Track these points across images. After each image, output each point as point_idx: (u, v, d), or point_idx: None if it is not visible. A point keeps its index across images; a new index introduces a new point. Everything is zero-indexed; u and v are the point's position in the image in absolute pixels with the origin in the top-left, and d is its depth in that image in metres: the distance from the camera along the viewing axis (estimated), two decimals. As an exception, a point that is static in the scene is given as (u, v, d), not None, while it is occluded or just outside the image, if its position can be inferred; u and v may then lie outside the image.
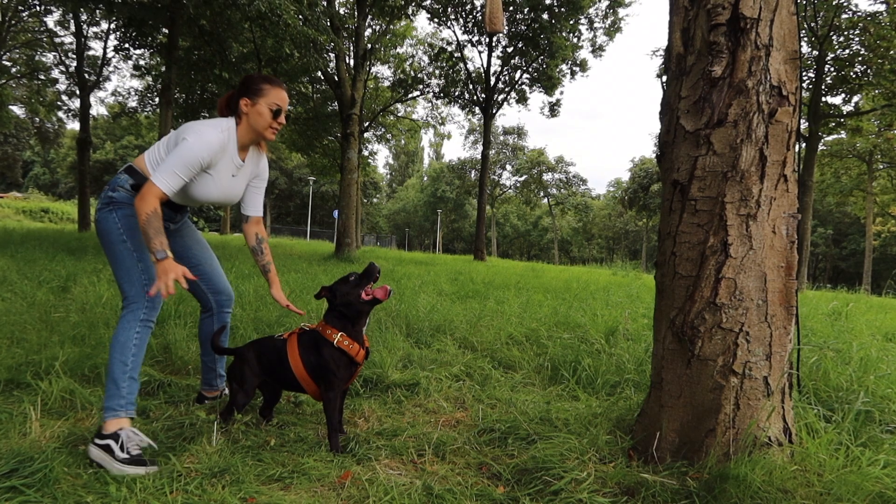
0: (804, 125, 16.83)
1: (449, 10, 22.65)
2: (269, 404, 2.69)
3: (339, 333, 2.46)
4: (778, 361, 2.16)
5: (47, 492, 1.86)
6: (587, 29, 23.36)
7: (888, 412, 2.62)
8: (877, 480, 1.89)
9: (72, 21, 19.68)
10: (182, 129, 2.41)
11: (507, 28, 22.36)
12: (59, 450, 2.16)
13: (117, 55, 20.14)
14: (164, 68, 11.92)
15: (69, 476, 1.99)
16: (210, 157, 2.39)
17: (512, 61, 23.79)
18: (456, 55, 23.89)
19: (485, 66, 23.84)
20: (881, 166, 32.25)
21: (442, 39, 25.93)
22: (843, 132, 20.70)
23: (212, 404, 2.85)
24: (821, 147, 23.41)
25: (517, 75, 24.44)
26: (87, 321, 4.05)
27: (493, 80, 23.89)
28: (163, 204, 2.38)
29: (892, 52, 15.10)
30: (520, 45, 22.78)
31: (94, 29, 20.77)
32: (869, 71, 15.88)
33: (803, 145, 16.68)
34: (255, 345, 2.65)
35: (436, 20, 23.08)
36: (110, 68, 23.72)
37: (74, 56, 20.22)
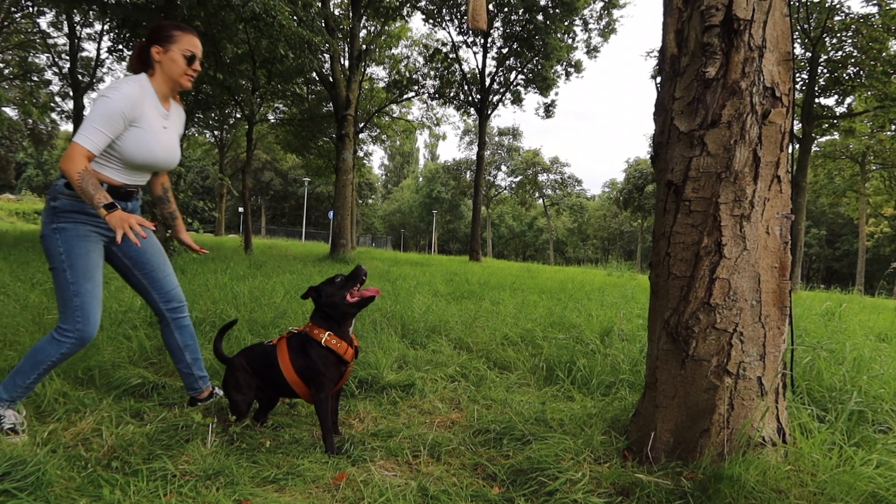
0: (798, 126, 16.90)
1: (443, 11, 22.67)
2: (265, 410, 2.68)
3: (327, 333, 2.46)
4: (772, 362, 2.16)
5: (40, 495, 1.85)
6: (582, 30, 23.49)
7: (881, 412, 2.63)
8: (870, 480, 1.90)
9: (65, 22, 19.60)
10: (96, 94, 2.34)
11: (500, 29, 22.41)
12: (53, 453, 2.15)
13: (111, 56, 20.08)
14: (158, 69, 11.86)
15: (62, 479, 1.98)
16: (130, 106, 2.32)
17: (507, 62, 23.82)
18: (451, 56, 23.92)
19: (480, 66, 23.85)
20: (874, 167, 32.43)
21: (437, 40, 25.93)
22: (836, 133, 20.80)
23: (206, 405, 2.84)
24: (814, 148, 23.50)
25: (512, 76, 24.48)
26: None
27: (487, 80, 23.90)
28: (110, 191, 2.36)
29: (884, 54, 15.18)
30: (514, 46, 22.82)
31: (88, 30, 20.75)
32: (861, 73, 15.95)
33: (797, 146, 16.76)
34: (245, 352, 2.65)
35: (430, 21, 23.13)
36: (104, 69, 23.67)
37: (68, 57, 20.16)
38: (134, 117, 2.37)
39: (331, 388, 2.45)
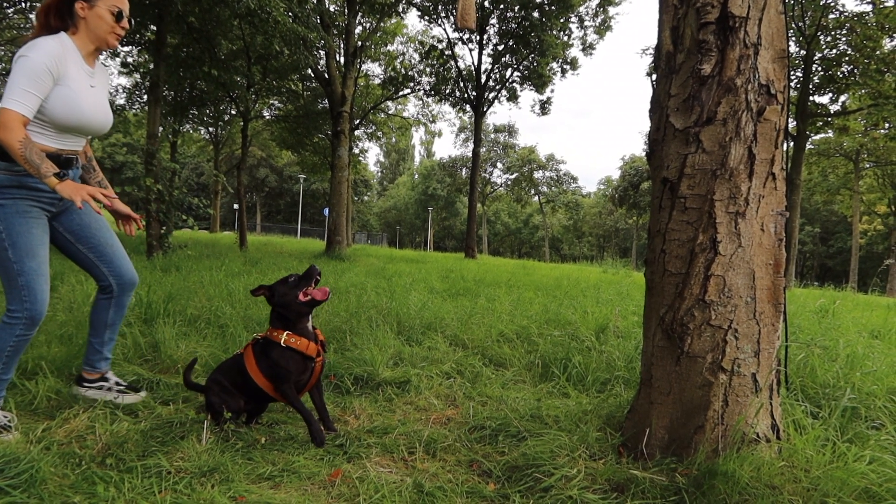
0: (792, 124, 16.95)
1: (439, 7, 22.63)
2: (252, 416, 2.67)
3: (285, 333, 2.47)
4: (766, 358, 2.17)
5: (34, 492, 1.84)
6: (578, 27, 23.48)
7: (874, 408, 2.65)
8: (862, 476, 1.91)
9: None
10: (15, 56, 2.23)
11: (496, 26, 22.37)
12: (46, 450, 2.15)
13: (105, 52, 19.96)
14: (152, 65, 11.80)
15: (56, 476, 1.97)
16: (54, 62, 2.22)
17: (503, 59, 23.82)
18: (447, 53, 23.89)
19: (475, 63, 23.86)
20: (867, 165, 32.58)
21: (433, 37, 25.89)
22: (830, 131, 20.90)
23: (199, 404, 2.83)
24: (808, 146, 23.61)
25: (508, 73, 24.48)
26: (75, 320, 4.01)
27: (483, 77, 23.90)
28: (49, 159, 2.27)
29: (877, 52, 15.24)
30: (510, 44, 22.82)
31: (81, 26, 20.57)
32: (856, 71, 16.02)
33: (791, 144, 16.79)
34: (217, 370, 2.64)
35: (426, 18, 23.08)
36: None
37: (61, 53, 19.97)
38: (59, 74, 2.26)
39: (294, 380, 2.46)
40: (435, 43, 24.61)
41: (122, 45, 15.88)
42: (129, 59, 18.36)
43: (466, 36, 23.34)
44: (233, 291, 5.51)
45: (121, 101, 22.07)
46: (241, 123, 17.49)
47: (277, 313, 2.53)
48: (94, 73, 2.49)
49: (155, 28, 11.58)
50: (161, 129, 11.89)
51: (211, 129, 31.17)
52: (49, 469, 1.98)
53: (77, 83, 2.36)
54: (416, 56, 26.09)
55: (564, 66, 24.63)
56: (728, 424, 2.13)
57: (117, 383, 2.84)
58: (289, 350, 2.45)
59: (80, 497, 1.86)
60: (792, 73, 16.78)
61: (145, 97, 18.66)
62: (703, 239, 2.14)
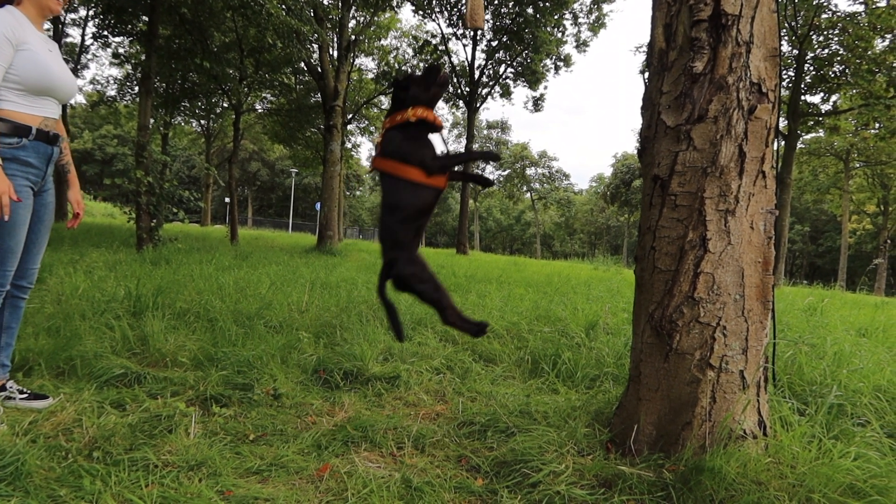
0: (784, 123, 17.03)
1: (434, 2, 22.56)
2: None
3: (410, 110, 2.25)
4: (754, 355, 2.18)
5: (19, 485, 1.83)
6: (571, 24, 23.49)
7: (860, 405, 2.67)
8: (848, 472, 1.93)
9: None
10: None
11: (490, 21, 22.32)
12: (33, 443, 2.13)
13: (96, 43, 19.78)
14: (143, 57, 11.68)
15: (42, 469, 1.96)
16: (10, 30, 2.29)
17: (496, 55, 23.76)
18: (440, 48, 23.82)
19: (469, 59, 23.78)
20: (857, 165, 32.80)
21: (426, 32, 25.91)
22: (821, 131, 21.01)
23: (189, 398, 2.81)
24: (799, 145, 23.72)
25: (501, 69, 24.44)
26: (63, 312, 3.98)
27: (477, 73, 23.85)
28: (38, 138, 2.38)
29: (869, 52, 15.32)
30: (504, 40, 22.77)
31: (72, 16, 20.38)
32: (847, 70, 16.10)
33: (782, 143, 16.88)
34: (402, 264, 2.30)
35: (420, 13, 22.99)
36: (88, 56, 23.34)
37: (51, 43, 19.78)
38: (18, 41, 2.33)
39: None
40: (429, 38, 24.54)
41: (113, 36, 15.76)
42: (121, 50, 18.21)
43: (461, 31, 23.29)
44: (223, 285, 5.49)
45: (112, 92, 21.91)
46: (233, 116, 17.40)
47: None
48: (46, 40, 2.53)
49: (147, 19, 11.49)
50: (152, 121, 11.79)
51: (203, 121, 30.99)
52: (35, 462, 1.97)
53: (37, 46, 2.42)
54: (410, 51, 26.03)
55: (558, 63, 24.61)
56: (715, 421, 2.14)
57: (20, 391, 2.65)
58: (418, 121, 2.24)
59: (65, 490, 1.84)
60: (784, 72, 16.86)
61: (136, 89, 18.50)
62: (692, 236, 2.15)
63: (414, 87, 2.29)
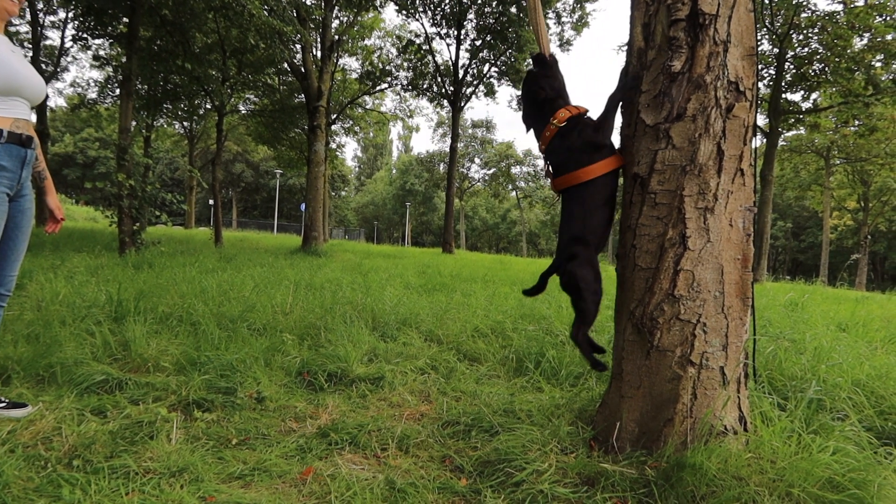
0: (765, 121, 17.21)
1: (417, 2, 22.54)
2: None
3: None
4: (734, 352, 2.20)
5: (-4, 495, 1.80)
6: (555, 23, 23.54)
7: (839, 400, 2.70)
8: (826, 467, 1.95)
9: (27, 10, 18.99)
10: None
11: (473, 21, 22.31)
12: (11, 452, 2.10)
13: (76, 45, 19.54)
14: (124, 59, 11.57)
15: (20, 480, 1.93)
16: None
17: (480, 54, 23.81)
18: (424, 48, 23.83)
19: (453, 58, 23.82)
20: (838, 162, 33.17)
21: (410, 32, 25.83)
22: (802, 128, 21.20)
23: (170, 403, 2.78)
24: (781, 142, 23.99)
25: (485, 68, 24.49)
26: (43, 319, 3.92)
27: (461, 72, 23.88)
28: (10, 140, 2.35)
29: (848, 51, 15.51)
30: (488, 39, 22.82)
31: (52, 18, 20.13)
32: (827, 69, 16.28)
33: (764, 141, 17.05)
34: (577, 265, 2.31)
35: (404, 12, 22.96)
36: (68, 58, 23.01)
37: (30, 46, 19.52)
38: None
39: None
40: (412, 37, 24.52)
41: (94, 38, 15.57)
42: (102, 53, 18.01)
43: (444, 31, 23.30)
44: (206, 288, 5.44)
45: (93, 95, 21.64)
46: (217, 118, 17.27)
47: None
48: (7, 42, 2.49)
49: (127, 20, 11.35)
50: (134, 123, 11.68)
51: (185, 123, 30.69)
52: (13, 472, 1.94)
53: (2, 50, 2.39)
54: (394, 51, 25.99)
55: (542, 62, 24.67)
56: (697, 417, 2.15)
57: None
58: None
59: (44, 500, 1.82)
60: (765, 70, 17.03)
61: (117, 91, 18.30)
62: (672, 234, 2.16)
63: (544, 81, 2.42)
